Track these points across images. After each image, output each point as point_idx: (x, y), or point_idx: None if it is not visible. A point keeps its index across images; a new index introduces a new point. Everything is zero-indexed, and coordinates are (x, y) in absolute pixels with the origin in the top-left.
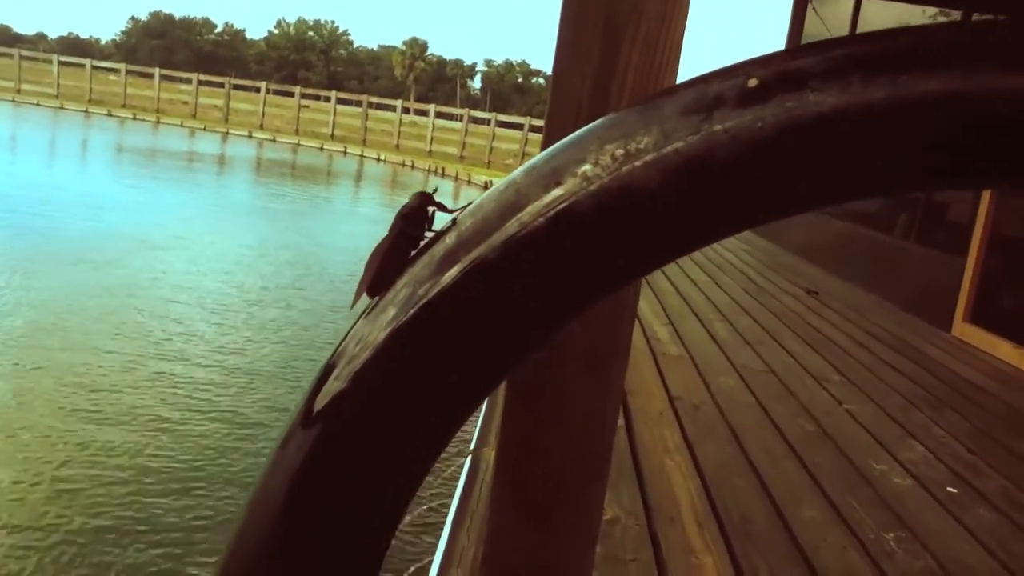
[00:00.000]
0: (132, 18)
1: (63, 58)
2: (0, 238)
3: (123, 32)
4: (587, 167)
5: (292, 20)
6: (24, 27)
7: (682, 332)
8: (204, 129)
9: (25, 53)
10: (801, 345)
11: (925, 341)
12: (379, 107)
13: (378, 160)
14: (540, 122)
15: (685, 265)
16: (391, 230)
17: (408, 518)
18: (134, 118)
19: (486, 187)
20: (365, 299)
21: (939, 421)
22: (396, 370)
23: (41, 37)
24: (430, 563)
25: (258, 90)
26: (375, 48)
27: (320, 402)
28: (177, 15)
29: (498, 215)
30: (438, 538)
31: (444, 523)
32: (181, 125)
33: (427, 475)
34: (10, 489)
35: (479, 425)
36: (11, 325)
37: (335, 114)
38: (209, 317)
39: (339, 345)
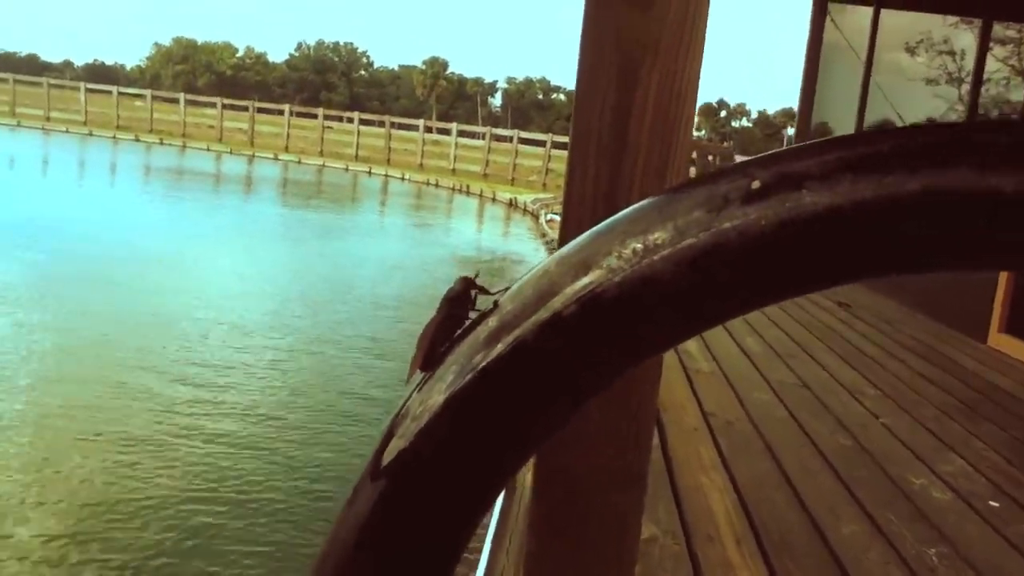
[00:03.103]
0: (156, 44)
1: (90, 85)
2: (34, 260)
3: (147, 58)
4: (611, 259)
5: (312, 43)
6: (51, 55)
7: (713, 347)
8: (230, 152)
9: (53, 81)
10: (834, 358)
11: (960, 352)
12: (402, 127)
13: (402, 179)
14: (562, 138)
15: None
16: (439, 311)
17: None
18: (161, 143)
19: (510, 204)
20: (418, 373)
21: (977, 432)
22: (451, 430)
23: (68, 64)
24: None
25: (282, 113)
26: (395, 68)
27: (387, 458)
28: (199, 40)
29: (535, 300)
30: (477, 558)
31: (482, 545)
32: (207, 149)
33: (480, 522)
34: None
35: None
36: (40, 348)
37: (359, 135)
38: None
39: (400, 409)
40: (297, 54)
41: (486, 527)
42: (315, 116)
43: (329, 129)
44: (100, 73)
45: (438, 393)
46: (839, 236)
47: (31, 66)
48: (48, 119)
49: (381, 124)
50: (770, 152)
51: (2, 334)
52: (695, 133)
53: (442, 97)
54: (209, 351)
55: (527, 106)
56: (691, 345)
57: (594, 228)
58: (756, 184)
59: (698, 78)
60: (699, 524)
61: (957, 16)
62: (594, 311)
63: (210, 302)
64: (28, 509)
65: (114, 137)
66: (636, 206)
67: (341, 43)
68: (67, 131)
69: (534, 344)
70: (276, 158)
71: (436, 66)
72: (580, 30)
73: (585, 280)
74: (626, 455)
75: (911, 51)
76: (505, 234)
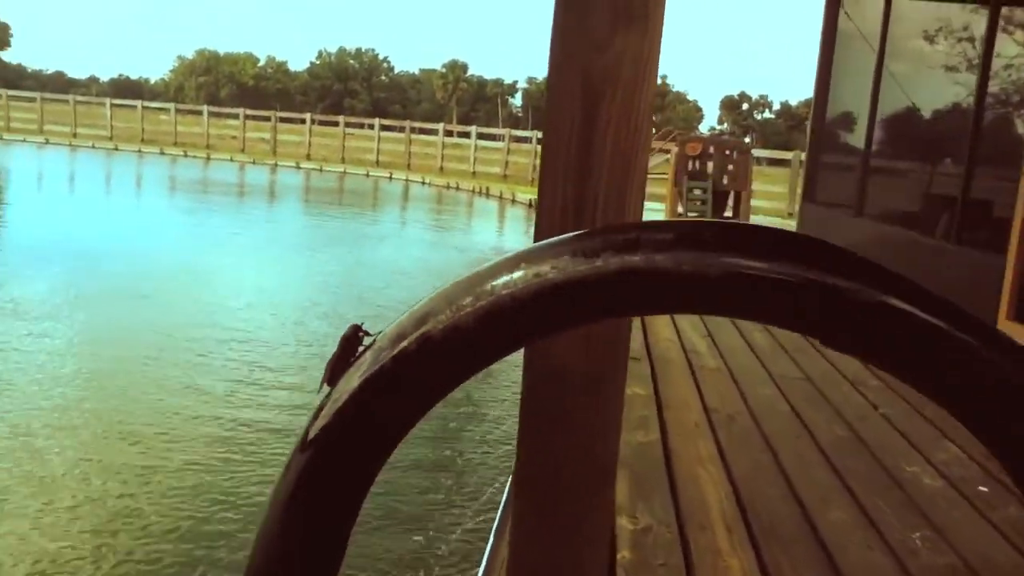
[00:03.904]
0: (179, 56)
1: (115, 101)
2: (61, 275)
3: (171, 71)
4: (439, 316)
5: (333, 50)
6: (77, 72)
7: (720, 344)
8: (253, 162)
9: (79, 98)
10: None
11: None
12: (422, 131)
13: (423, 183)
14: None
15: None
16: (338, 347)
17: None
18: (185, 155)
19: (530, 205)
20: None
21: None
22: (349, 415)
23: (93, 80)
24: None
25: (303, 121)
26: (416, 72)
27: (311, 435)
28: (221, 51)
29: (393, 341)
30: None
31: (488, 537)
32: (231, 159)
33: (376, 475)
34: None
35: None
36: (71, 365)
37: (379, 140)
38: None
39: (318, 406)
40: (318, 62)
41: (491, 520)
42: (336, 124)
43: (350, 136)
44: (125, 87)
45: (338, 394)
46: (563, 300)
47: (58, 83)
48: (75, 135)
49: (401, 129)
50: (529, 248)
51: (30, 347)
52: (716, 127)
53: (463, 99)
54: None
55: None
56: (699, 342)
57: (433, 294)
58: (522, 269)
59: (652, 109)
60: (693, 514)
61: (968, 3)
62: (427, 347)
63: (231, 313)
64: None
65: (139, 151)
66: (455, 282)
67: (362, 49)
68: (93, 146)
69: (391, 367)
70: (298, 166)
71: (456, 69)
72: (548, 72)
73: (421, 329)
74: (595, 446)
75: (925, 39)
76: (526, 233)
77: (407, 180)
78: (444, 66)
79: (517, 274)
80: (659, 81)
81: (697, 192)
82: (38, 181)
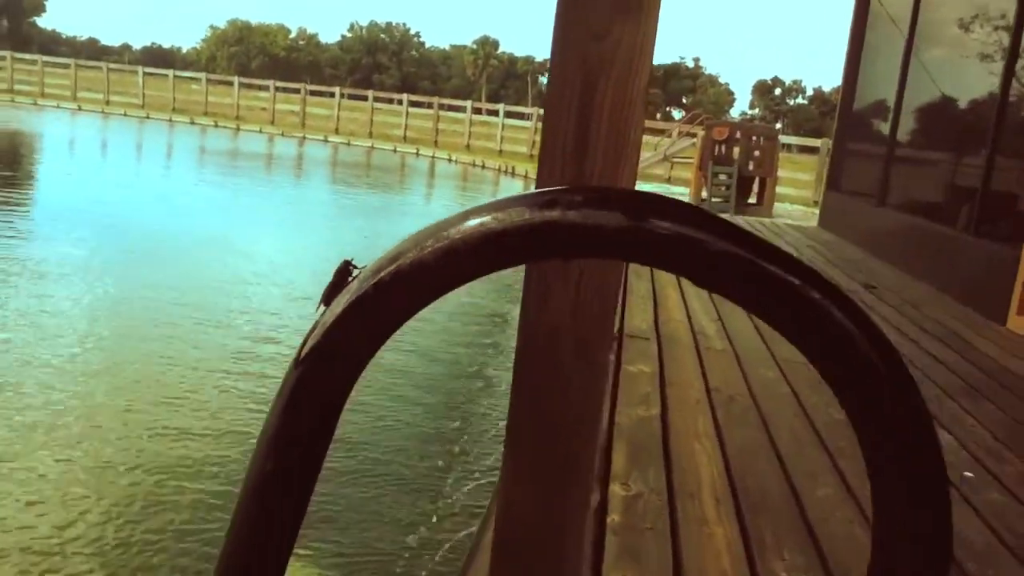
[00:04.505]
0: (211, 26)
1: (147, 69)
2: (89, 240)
3: (203, 40)
4: (409, 254)
5: (365, 23)
6: (110, 39)
7: (730, 328)
8: (282, 134)
9: (112, 66)
10: None
11: (977, 334)
12: (450, 108)
13: (449, 160)
14: None
15: None
16: (332, 277)
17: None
18: (216, 125)
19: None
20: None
21: (974, 411)
22: (335, 333)
23: (126, 48)
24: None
25: (332, 95)
26: (447, 48)
27: (302, 353)
28: (253, 22)
29: (372, 272)
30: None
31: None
32: (260, 131)
33: (353, 385)
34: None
35: None
36: (99, 332)
37: (407, 116)
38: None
39: (312, 326)
40: (349, 35)
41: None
42: (365, 98)
43: (378, 111)
44: (158, 56)
45: (328, 315)
46: (494, 245)
47: (91, 50)
48: (107, 103)
49: (429, 106)
50: (480, 205)
51: (66, 306)
52: (748, 112)
53: (492, 76)
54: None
55: None
56: (709, 325)
57: (405, 237)
58: (472, 220)
59: (645, 91)
60: (684, 484)
61: None
62: (398, 277)
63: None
64: None
65: (170, 120)
66: (422, 229)
67: (393, 23)
68: (125, 114)
69: (371, 292)
70: (326, 140)
71: (487, 46)
72: (551, 57)
73: (394, 264)
74: (583, 409)
75: (954, 25)
76: None
77: (434, 156)
78: (475, 42)
79: (467, 224)
80: (691, 63)
81: (722, 177)
82: (70, 147)
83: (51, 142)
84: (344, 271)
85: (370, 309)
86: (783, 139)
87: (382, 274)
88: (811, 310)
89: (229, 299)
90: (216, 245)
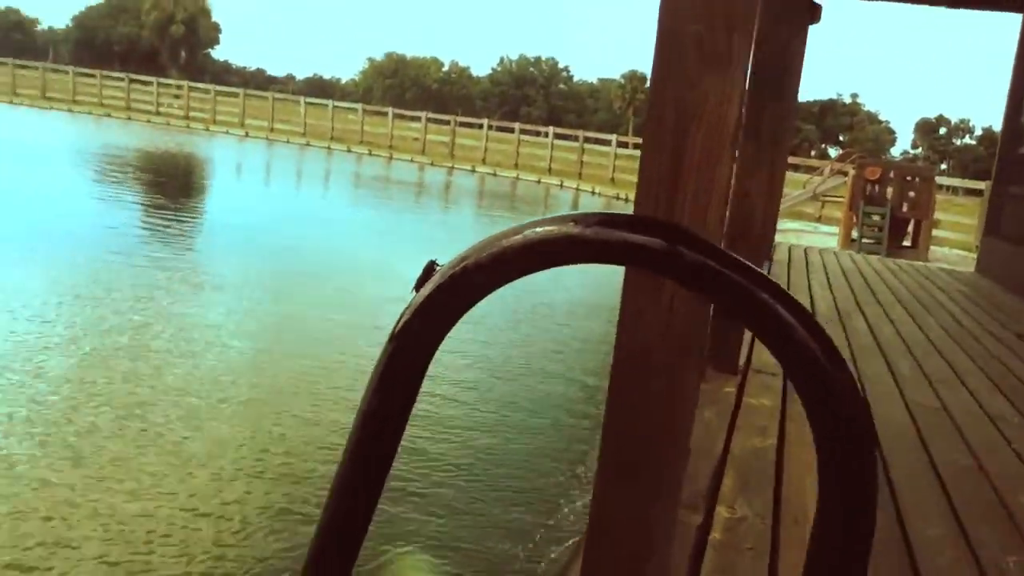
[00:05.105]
0: (369, 59)
1: (309, 99)
2: (253, 257)
3: (361, 72)
4: (482, 253)
5: (515, 57)
6: (276, 70)
7: (861, 368)
8: (431, 163)
9: (277, 95)
10: (988, 386)
11: None
12: (596, 141)
13: (592, 193)
14: None
15: (888, 305)
16: (422, 271)
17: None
18: (370, 153)
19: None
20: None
21: None
22: (424, 310)
23: (290, 78)
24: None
25: (481, 127)
26: (594, 82)
27: (396, 329)
28: (408, 55)
29: (450, 267)
30: None
31: None
32: (411, 160)
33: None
34: None
35: None
36: (255, 347)
37: (552, 148)
38: None
39: (405, 308)
40: (499, 68)
41: None
42: (512, 130)
43: (524, 143)
44: (319, 86)
45: (416, 300)
46: (542, 251)
47: (259, 80)
48: (272, 130)
49: (575, 138)
50: (524, 223)
51: (224, 316)
52: (910, 151)
53: (639, 111)
54: None
55: None
56: None
57: (472, 245)
58: (517, 234)
59: (734, 136)
60: (790, 511)
61: None
62: (464, 273)
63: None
64: None
65: (328, 147)
66: (484, 239)
67: (543, 58)
68: (288, 141)
69: (448, 283)
70: (473, 170)
71: (635, 80)
72: (648, 101)
73: (462, 264)
74: (674, 415)
75: None
76: None
77: (577, 188)
78: (623, 76)
79: (514, 237)
80: (848, 99)
81: (875, 218)
82: (237, 171)
83: (221, 166)
84: (430, 267)
85: (446, 296)
86: (943, 180)
87: (455, 270)
88: (763, 307)
89: (375, 317)
90: (372, 265)
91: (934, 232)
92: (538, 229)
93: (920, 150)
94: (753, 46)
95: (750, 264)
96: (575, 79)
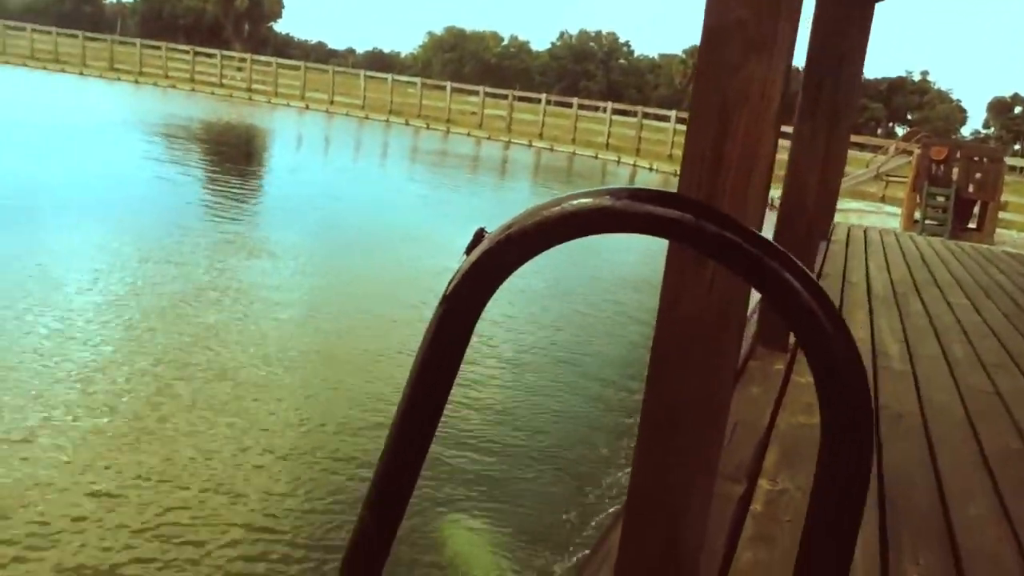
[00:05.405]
0: (429, 32)
1: (368, 73)
2: (308, 228)
3: (420, 46)
4: (529, 220)
5: (575, 32)
6: (337, 43)
7: (915, 350)
8: (488, 138)
9: (338, 69)
10: None
11: None
12: (655, 117)
13: (650, 169)
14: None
15: (947, 287)
16: (472, 238)
17: None
18: (428, 127)
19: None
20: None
21: None
22: (473, 273)
23: (351, 52)
24: None
25: (539, 101)
26: (655, 57)
27: (447, 291)
28: (468, 29)
29: (498, 233)
30: None
31: None
32: (468, 134)
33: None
34: None
35: None
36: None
37: (610, 124)
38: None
39: (455, 273)
40: (559, 43)
41: None
42: (570, 105)
43: (582, 118)
44: (378, 60)
45: (466, 264)
46: (581, 220)
47: (320, 53)
48: (332, 103)
49: (633, 114)
50: (564, 195)
51: (282, 281)
52: (982, 131)
53: None
54: None
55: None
56: (892, 346)
57: (517, 214)
58: (557, 205)
59: (777, 118)
60: None
61: None
62: (510, 239)
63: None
64: None
65: (387, 121)
66: (528, 208)
67: (603, 32)
68: (347, 114)
69: (495, 248)
70: (530, 144)
71: (696, 56)
72: (693, 84)
73: (508, 231)
74: (711, 389)
75: None
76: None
77: (635, 165)
78: (685, 51)
79: (553, 208)
80: (918, 76)
81: (939, 199)
82: (297, 143)
83: (281, 137)
84: (479, 234)
85: (494, 259)
86: (1014, 162)
87: (500, 237)
88: (772, 273)
89: (420, 291)
90: (422, 239)
91: (1001, 215)
92: (575, 201)
93: (992, 130)
94: (810, 27)
95: (762, 235)
96: (635, 54)
